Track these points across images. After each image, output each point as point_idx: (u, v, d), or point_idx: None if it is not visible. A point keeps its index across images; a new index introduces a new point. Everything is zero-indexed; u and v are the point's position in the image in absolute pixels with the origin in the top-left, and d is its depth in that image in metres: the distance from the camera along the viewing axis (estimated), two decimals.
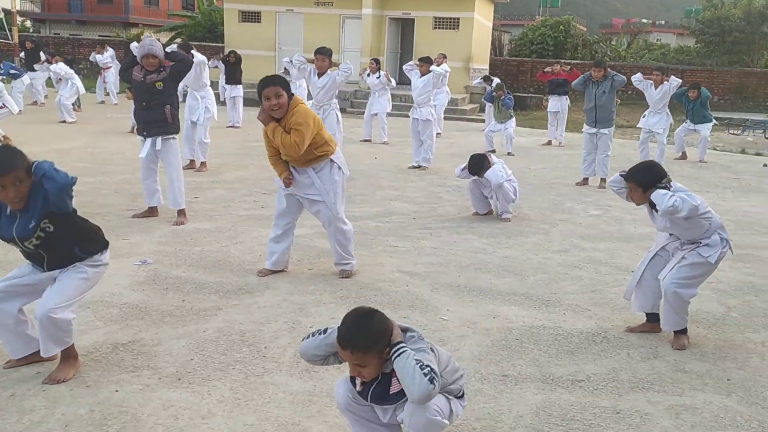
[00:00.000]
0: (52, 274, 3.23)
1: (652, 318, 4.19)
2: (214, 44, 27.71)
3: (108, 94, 18.65)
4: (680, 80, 11.17)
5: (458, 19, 21.46)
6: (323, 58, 8.04)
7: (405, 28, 22.68)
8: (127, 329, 3.86)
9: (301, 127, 4.39)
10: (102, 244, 3.37)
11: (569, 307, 4.59)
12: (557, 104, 14.03)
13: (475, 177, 7.00)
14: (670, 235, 4.09)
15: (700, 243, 3.91)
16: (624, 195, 4.07)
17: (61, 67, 14.35)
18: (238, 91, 14.60)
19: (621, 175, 4.02)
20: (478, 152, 7.49)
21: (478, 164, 6.92)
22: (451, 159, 11.34)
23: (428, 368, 2.27)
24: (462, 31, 21.35)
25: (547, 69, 14.55)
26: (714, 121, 12.42)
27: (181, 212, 6.32)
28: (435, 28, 21.63)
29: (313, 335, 2.51)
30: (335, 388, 2.66)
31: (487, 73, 23.14)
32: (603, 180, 9.29)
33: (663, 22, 58.56)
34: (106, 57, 18.21)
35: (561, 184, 9.47)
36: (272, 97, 4.36)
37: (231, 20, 23.56)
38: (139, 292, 4.46)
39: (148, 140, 6.10)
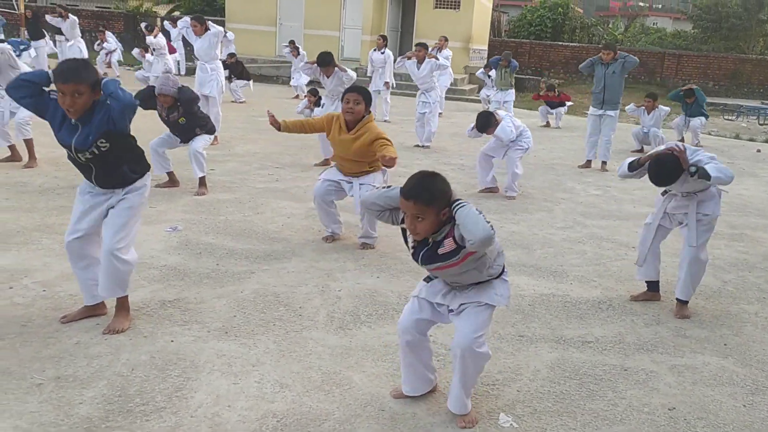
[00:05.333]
0: (102, 206, 3.44)
1: (653, 287, 4.53)
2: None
3: (110, 66, 18.80)
4: (668, 109, 11.61)
5: None
6: (326, 69, 8.29)
7: (406, 6, 22.70)
8: (171, 288, 4.14)
9: (388, 143, 4.82)
10: (146, 167, 3.60)
11: (576, 278, 4.91)
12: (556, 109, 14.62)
13: (484, 134, 7.22)
14: (663, 194, 4.38)
15: (696, 196, 4.16)
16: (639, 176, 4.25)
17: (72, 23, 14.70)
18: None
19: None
20: (486, 110, 7.84)
21: (485, 121, 7.10)
22: (453, 139, 11.61)
23: (489, 221, 2.51)
24: (463, 12, 21.42)
25: (542, 93, 15.05)
26: (707, 116, 12.79)
27: (202, 183, 6.58)
28: (436, 7, 21.67)
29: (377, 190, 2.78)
30: (402, 316, 2.93)
31: (485, 53, 23.36)
32: (604, 163, 9.50)
33: (660, 5, 58.59)
34: (111, 42, 18.84)
35: (561, 165, 9.76)
36: (352, 101, 4.81)
37: None
38: (175, 256, 4.74)
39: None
